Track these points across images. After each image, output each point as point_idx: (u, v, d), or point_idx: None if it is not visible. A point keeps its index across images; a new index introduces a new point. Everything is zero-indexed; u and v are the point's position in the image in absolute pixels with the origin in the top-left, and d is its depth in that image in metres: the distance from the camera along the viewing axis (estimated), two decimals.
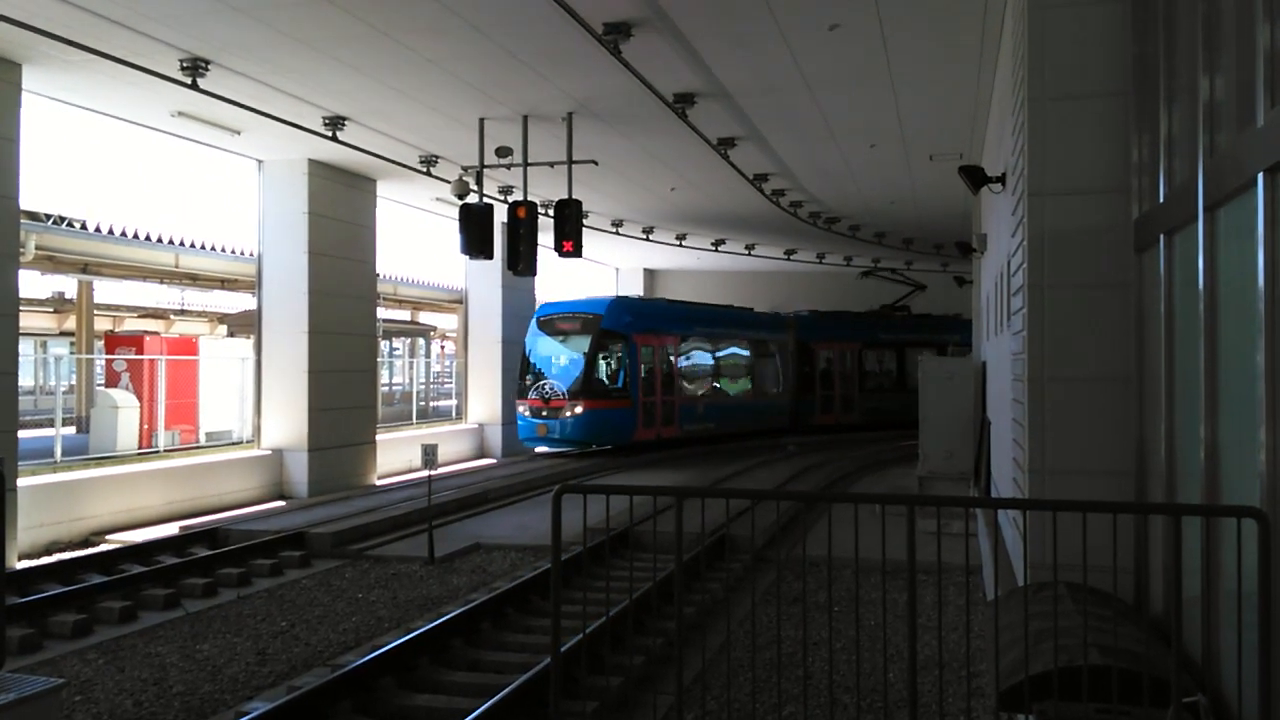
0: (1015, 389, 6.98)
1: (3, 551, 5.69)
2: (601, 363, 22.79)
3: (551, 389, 22.16)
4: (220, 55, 11.55)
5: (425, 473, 14.09)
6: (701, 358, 26.24)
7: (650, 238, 26.40)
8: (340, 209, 18.12)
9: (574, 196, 15.18)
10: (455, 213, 18.98)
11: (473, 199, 15.44)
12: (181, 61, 11.58)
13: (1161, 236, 5.03)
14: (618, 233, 25.27)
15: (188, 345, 21.42)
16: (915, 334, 32.86)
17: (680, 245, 27.81)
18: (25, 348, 23.58)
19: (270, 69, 12.11)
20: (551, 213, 15.51)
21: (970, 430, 14.40)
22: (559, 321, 23.22)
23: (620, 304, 23.74)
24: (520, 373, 23.21)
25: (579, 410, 21.97)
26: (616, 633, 7.57)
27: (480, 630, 8.56)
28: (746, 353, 28.05)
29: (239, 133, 15.06)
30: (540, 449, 23.35)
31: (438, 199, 20.39)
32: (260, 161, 17.27)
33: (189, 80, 11.85)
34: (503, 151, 15.53)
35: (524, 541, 12.77)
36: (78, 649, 8.14)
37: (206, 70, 11.78)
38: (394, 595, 10.02)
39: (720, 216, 23.95)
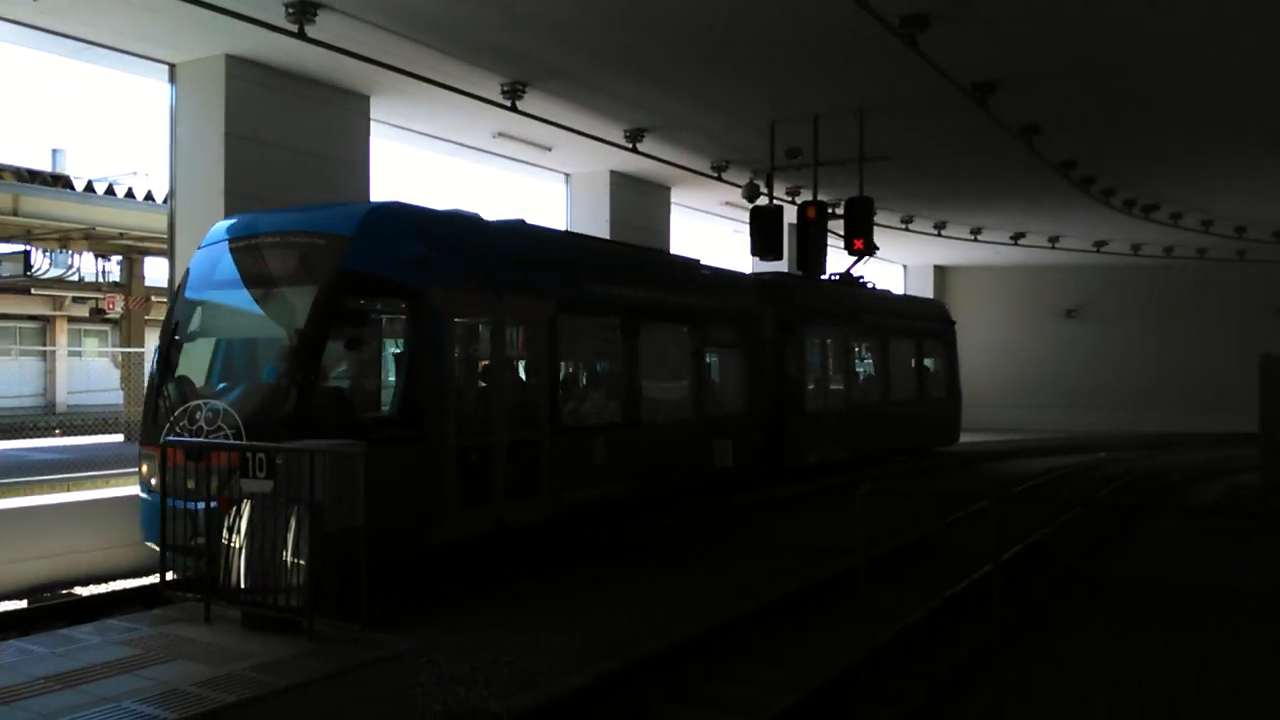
0: None
1: (365, 526, 6.49)
2: (343, 356, 9.55)
3: (214, 420, 8.81)
4: (537, 78, 12.56)
5: None
6: (598, 348, 13.01)
7: (942, 233, 25.50)
8: (638, 217, 18.99)
9: (864, 194, 15.04)
10: (720, 213, 19.25)
11: (762, 201, 15.69)
12: (503, 86, 12.72)
13: None
14: (907, 229, 24.63)
15: None
16: (897, 321, 21.94)
17: (975, 240, 26.62)
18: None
19: (579, 88, 13.02)
20: (840, 211, 15.46)
21: None
22: (251, 256, 9.72)
23: (395, 218, 9.81)
24: (154, 379, 9.82)
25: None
26: (913, 641, 7.43)
27: (778, 627, 8.69)
28: (690, 341, 14.27)
29: (550, 149, 16.23)
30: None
31: (727, 203, 20.84)
32: (568, 175, 18.48)
33: (509, 103, 12.97)
34: (793, 152, 15.65)
35: (814, 542, 12.75)
36: (422, 618, 9.09)
37: (524, 93, 12.84)
38: (691, 586, 10.37)
39: (1020, 208, 22.72)
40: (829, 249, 15.91)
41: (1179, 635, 7.99)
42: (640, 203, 19.02)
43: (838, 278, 19.06)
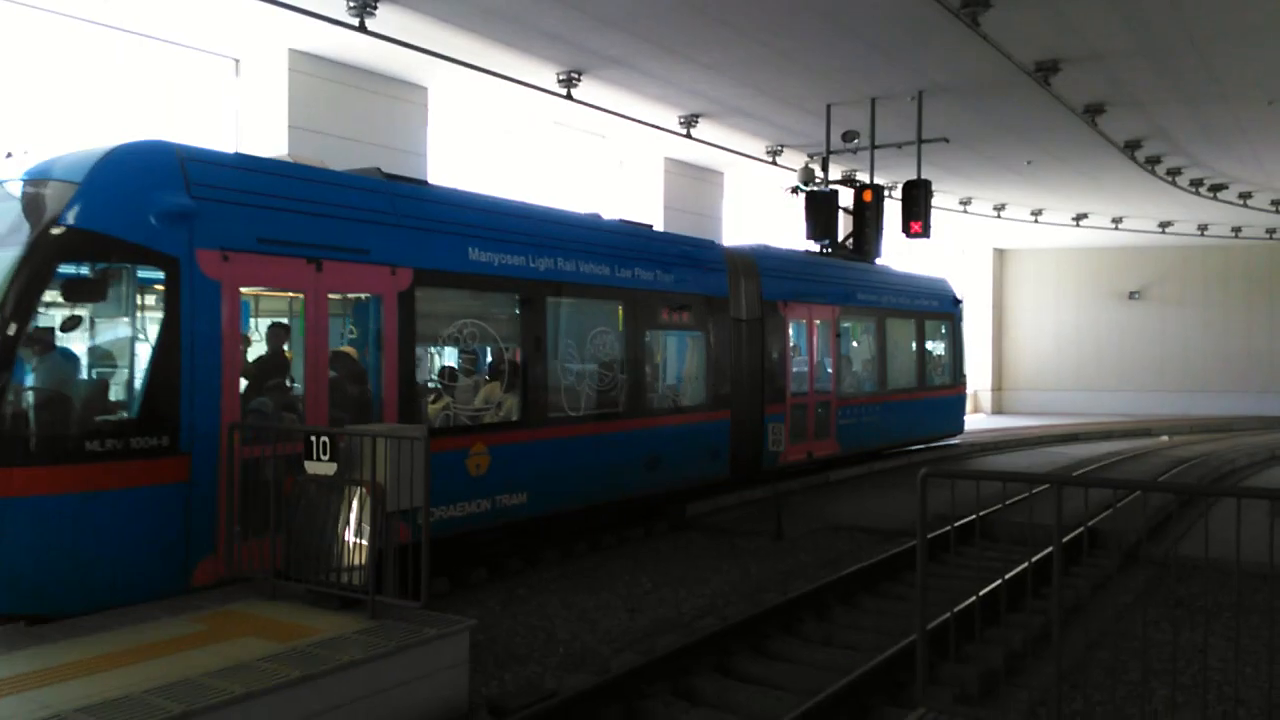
0: None
1: (427, 505, 6.63)
2: (65, 341, 7.16)
3: None
4: (592, 66, 12.65)
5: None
6: (484, 330, 10.16)
7: (1001, 215, 25.10)
8: (691, 202, 18.98)
9: (922, 176, 14.88)
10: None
11: (816, 185, 15.60)
12: (558, 75, 12.81)
13: None
14: (966, 211, 24.27)
15: None
16: (896, 299, 18.46)
17: (1035, 222, 26.16)
18: None
19: (634, 75, 13.07)
20: (895, 194, 15.32)
21: None
22: None
23: (148, 161, 7.34)
24: None
25: None
26: (968, 624, 7.38)
27: (830, 608, 8.69)
28: (630, 322, 11.81)
29: (604, 136, 16.30)
30: None
31: (782, 188, 20.73)
32: (621, 162, 18.55)
33: (564, 92, 13.06)
34: (849, 136, 15.53)
35: (867, 524, 12.71)
36: (479, 595, 9.27)
37: (579, 81, 12.92)
38: (745, 567, 10.42)
39: (1083, 189, 22.27)
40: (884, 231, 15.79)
41: (1242, 622, 7.84)
42: (693, 188, 19.01)
43: (829, 250, 17.01)
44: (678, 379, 13.06)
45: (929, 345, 20.16)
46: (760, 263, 14.39)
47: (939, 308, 20.37)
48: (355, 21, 10.57)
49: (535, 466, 10.08)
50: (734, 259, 13.95)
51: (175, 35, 11.40)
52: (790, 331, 14.89)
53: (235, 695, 4.83)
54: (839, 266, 16.83)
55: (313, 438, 6.73)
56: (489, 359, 10.33)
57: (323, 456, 6.70)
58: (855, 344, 17.63)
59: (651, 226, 12.95)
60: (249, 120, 12.17)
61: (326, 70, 12.15)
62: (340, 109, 12.38)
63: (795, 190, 16.86)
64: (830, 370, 16.02)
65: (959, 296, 21.29)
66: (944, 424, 20.89)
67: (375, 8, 10.50)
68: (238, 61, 12.16)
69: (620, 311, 11.65)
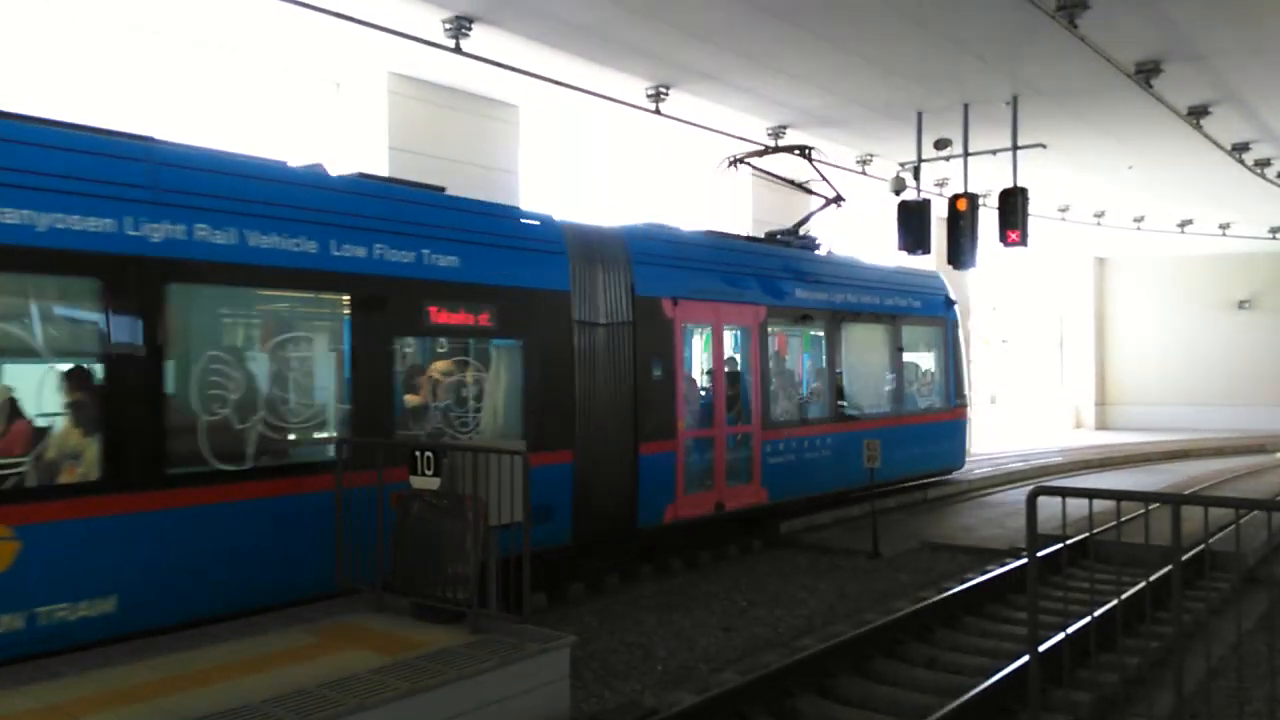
0: None
1: (528, 520, 6.70)
2: None
3: None
4: (680, 81, 12.73)
5: None
6: (34, 326, 6.24)
7: (1101, 222, 24.34)
8: (779, 215, 18.82)
9: (1018, 183, 14.53)
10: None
11: (908, 194, 15.33)
12: (647, 90, 12.92)
13: None
14: (1063, 219, 23.61)
15: None
16: (859, 298, 14.61)
17: (1138, 229, 25.30)
18: None
19: (722, 88, 13.09)
20: (988, 202, 15.01)
21: None
22: None
23: None
24: None
25: None
26: (1083, 646, 7.14)
27: (932, 630, 8.51)
28: (362, 321, 7.93)
29: (690, 151, 16.37)
30: None
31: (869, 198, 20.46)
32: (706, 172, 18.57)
33: (653, 107, 13.17)
34: (941, 143, 15.28)
35: (967, 543, 12.45)
36: (576, 611, 9.34)
37: (667, 95, 13.01)
38: (841, 586, 10.28)
39: (1187, 193, 21.48)
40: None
41: None
42: (783, 199, 18.86)
43: (782, 236, 14.16)
44: (463, 408, 8.99)
45: (909, 358, 16.07)
46: (632, 246, 10.66)
47: (924, 310, 16.27)
48: (451, 43, 10.81)
49: (133, 555, 6.27)
50: (584, 241, 10.16)
51: (278, 58, 11.78)
52: (684, 340, 11.22)
53: (348, 707, 4.95)
54: (765, 254, 13.11)
55: (418, 453, 6.87)
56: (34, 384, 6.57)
57: (427, 471, 6.83)
58: (793, 356, 14.07)
59: (445, 189, 9.12)
60: (351, 142, 12.51)
61: (423, 92, 12.44)
62: (437, 130, 12.64)
63: (734, 163, 13.94)
64: (753, 392, 12.20)
65: (953, 296, 17.19)
66: (933, 458, 16.40)
67: (470, 29, 10.72)
68: (339, 84, 12.53)
69: (345, 309, 7.92)
